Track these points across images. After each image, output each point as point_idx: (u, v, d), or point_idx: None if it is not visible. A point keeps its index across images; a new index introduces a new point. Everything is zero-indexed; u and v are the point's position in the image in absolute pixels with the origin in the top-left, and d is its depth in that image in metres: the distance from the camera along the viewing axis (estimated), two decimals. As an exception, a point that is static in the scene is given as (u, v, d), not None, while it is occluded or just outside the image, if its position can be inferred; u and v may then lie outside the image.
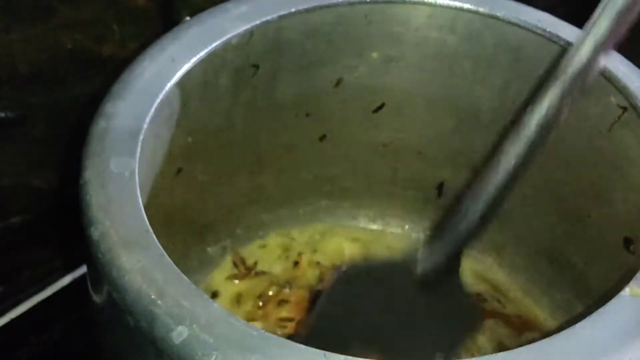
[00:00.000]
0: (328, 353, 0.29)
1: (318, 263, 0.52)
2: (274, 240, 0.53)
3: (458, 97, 0.48)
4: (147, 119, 0.37)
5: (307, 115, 0.49)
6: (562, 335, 0.31)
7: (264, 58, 0.44)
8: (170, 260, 0.32)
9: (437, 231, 0.43)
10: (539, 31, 0.44)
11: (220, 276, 0.51)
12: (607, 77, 0.42)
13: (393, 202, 0.54)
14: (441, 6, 0.45)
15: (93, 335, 0.38)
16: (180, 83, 0.39)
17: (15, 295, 0.53)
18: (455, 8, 0.45)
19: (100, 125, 0.36)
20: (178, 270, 0.31)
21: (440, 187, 0.53)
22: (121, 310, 0.31)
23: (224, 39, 0.41)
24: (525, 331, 0.49)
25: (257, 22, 0.42)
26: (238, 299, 0.50)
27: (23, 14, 0.45)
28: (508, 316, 0.50)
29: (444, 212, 0.53)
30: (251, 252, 0.52)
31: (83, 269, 0.54)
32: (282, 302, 0.50)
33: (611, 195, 0.43)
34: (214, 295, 0.49)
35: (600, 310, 0.32)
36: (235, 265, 0.51)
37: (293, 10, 0.43)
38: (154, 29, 0.49)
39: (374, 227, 0.55)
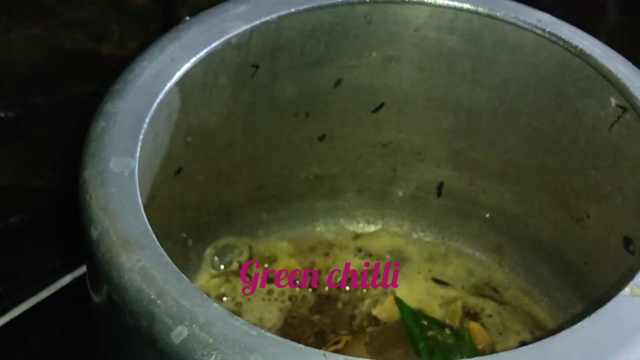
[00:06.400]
0: (327, 353, 0.29)
1: (318, 262, 0.52)
2: (274, 240, 0.53)
3: (458, 97, 0.48)
4: (147, 119, 0.37)
5: (307, 115, 0.49)
6: (562, 335, 0.31)
7: (264, 58, 0.44)
8: (170, 260, 0.32)
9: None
10: (538, 31, 0.44)
11: (219, 276, 0.51)
12: (607, 77, 0.42)
13: (393, 202, 0.54)
14: (441, 6, 0.45)
15: (93, 335, 0.39)
16: (180, 83, 0.39)
17: (15, 295, 0.53)
18: (455, 8, 0.45)
19: (100, 125, 0.36)
20: (177, 270, 0.31)
21: (440, 187, 0.53)
22: (121, 310, 0.31)
23: (223, 39, 0.41)
24: (525, 330, 0.49)
25: (257, 22, 0.42)
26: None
27: (23, 14, 0.45)
28: (507, 315, 0.50)
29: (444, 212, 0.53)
30: (252, 252, 0.52)
31: (83, 269, 0.53)
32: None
33: (611, 195, 0.43)
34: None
35: (600, 310, 0.32)
36: (238, 264, 0.51)
37: (293, 10, 0.43)
38: (154, 29, 0.49)
39: (374, 227, 0.55)
